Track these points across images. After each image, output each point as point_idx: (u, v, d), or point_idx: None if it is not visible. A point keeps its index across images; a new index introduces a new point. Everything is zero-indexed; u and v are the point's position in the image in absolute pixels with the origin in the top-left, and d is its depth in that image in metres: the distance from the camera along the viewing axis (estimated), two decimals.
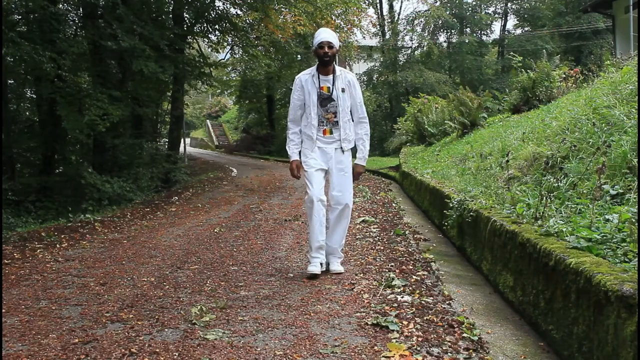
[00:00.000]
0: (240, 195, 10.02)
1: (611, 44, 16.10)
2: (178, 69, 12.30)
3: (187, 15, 14.53)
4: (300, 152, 3.94)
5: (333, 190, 3.88)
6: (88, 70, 11.65)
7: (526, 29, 31.45)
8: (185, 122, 24.37)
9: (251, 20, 15.32)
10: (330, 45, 3.77)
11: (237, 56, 20.32)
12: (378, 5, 28.88)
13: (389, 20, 28.83)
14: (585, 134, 4.12)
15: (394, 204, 7.50)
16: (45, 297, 3.64)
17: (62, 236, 6.35)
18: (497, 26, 32.95)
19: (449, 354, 2.40)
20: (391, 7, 29.70)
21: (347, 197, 3.89)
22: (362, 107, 3.97)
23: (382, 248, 4.77)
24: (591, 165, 3.49)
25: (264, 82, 25.54)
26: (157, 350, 2.56)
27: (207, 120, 44.94)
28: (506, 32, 32.02)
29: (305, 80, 3.87)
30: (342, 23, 16.60)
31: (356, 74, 28.76)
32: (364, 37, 22.01)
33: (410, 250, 4.64)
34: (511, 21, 41.49)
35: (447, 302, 3.16)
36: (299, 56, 20.25)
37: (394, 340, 2.57)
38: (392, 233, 5.44)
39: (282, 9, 13.85)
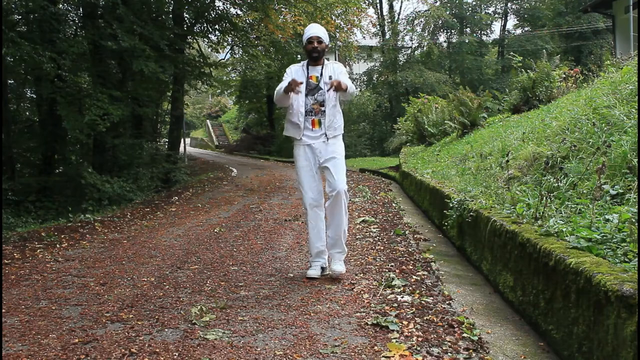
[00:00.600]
0: (240, 195, 10.02)
1: (611, 44, 16.09)
2: (178, 69, 12.31)
3: (187, 15, 14.53)
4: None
5: (326, 177, 3.84)
6: (88, 70, 11.65)
7: (526, 29, 31.47)
8: (185, 122, 24.38)
9: (251, 20, 15.33)
10: (319, 40, 3.83)
11: (237, 56, 20.34)
12: (378, 5, 28.92)
13: (389, 20, 28.86)
14: (585, 134, 4.12)
15: (394, 204, 7.50)
16: (45, 297, 3.64)
17: (62, 236, 6.35)
18: (497, 26, 33.02)
19: (449, 354, 2.40)
20: (391, 7, 29.73)
21: (341, 182, 3.77)
22: (346, 77, 3.87)
23: (382, 248, 4.77)
24: (591, 165, 3.49)
25: (264, 82, 25.55)
26: (157, 350, 2.56)
27: (207, 120, 44.96)
28: (506, 32, 32.04)
29: (296, 70, 3.91)
30: (342, 23, 16.61)
31: (356, 74, 28.84)
32: (364, 37, 22.02)
33: (410, 250, 4.64)
34: (511, 21, 41.56)
35: (447, 302, 3.16)
36: (299, 56, 20.23)
37: (394, 340, 2.57)
38: (392, 233, 5.44)
39: (282, 9, 13.86)
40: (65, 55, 9.60)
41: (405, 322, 2.80)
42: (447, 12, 28.29)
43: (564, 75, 9.27)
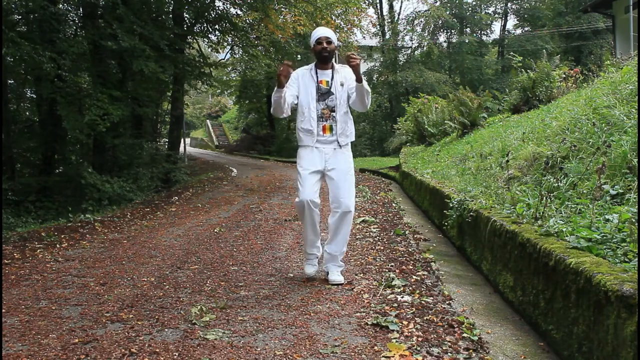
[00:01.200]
0: (240, 195, 10.02)
1: (611, 44, 16.08)
2: (178, 69, 12.31)
3: (187, 15, 14.53)
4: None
5: (332, 192, 3.65)
6: (88, 70, 11.66)
7: (526, 29, 31.47)
8: (185, 122, 24.37)
9: (251, 20, 15.33)
10: (328, 41, 3.67)
11: (237, 56, 20.32)
12: (378, 5, 28.93)
13: (389, 20, 28.87)
14: (585, 134, 4.12)
15: (394, 204, 7.50)
16: (45, 297, 3.64)
17: (62, 236, 6.35)
18: (497, 26, 33.02)
19: (449, 354, 2.40)
20: (391, 7, 29.74)
21: (349, 201, 3.61)
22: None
23: (382, 248, 4.77)
24: (591, 165, 3.49)
25: (264, 82, 25.55)
26: (157, 350, 2.56)
27: (207, 120, 44.96)
28: (506, 32, 32.05)
29: (303, 74, 3.73)
30: (342, 23, 16.60)
31: None
32: (364, 37, 22.01)
33: (410, 250, 4.64)
34: (511, 21, 41.51)
35: (447, 302, 3.16)
36: (299, 56, 20.24)
37: (394, 340, 2.57)
38: (392, 233, 5.44)
39: (282, 9, 13.85)
40: (65, 55, 9.60)
41: (405, 322, 2.80)
42: (447, 12, 28.30)
43: (564, 75, 9.27)
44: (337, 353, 2.47)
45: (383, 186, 10.10)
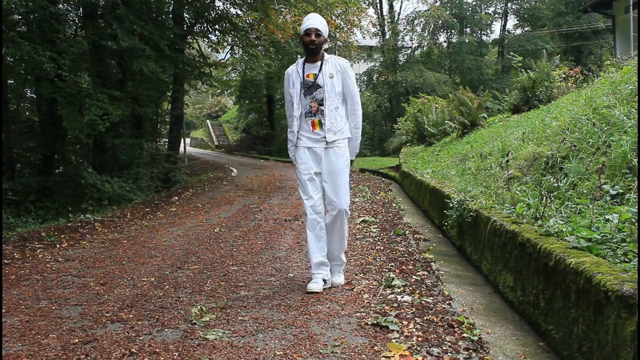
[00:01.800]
0: (240, 195, 10.02)
1: (611, 44, 16.09)
2: (178, 69, 12.31)
3: (187, 15, 14.53)
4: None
5: (327, 194, 3.54)
6: (88, 70, 11.66)
7: (526, 29, 31.45)
8: (185, 122, 24.39)
9: (251, 20, 15.32)
10: (317, 33, 3.47)
11: (237, 56, 20.32)
12: (378, 5, 28.92)
13: (389, 20, 28.86)
14: (585, 134, 4.12)
15: (394, 204, 7.50)
16: (45, 297, 3.64)
17: (62, 236, 6.35)
18: (497, 26, 33.01)
19: (449, 354, 2.40)
20: (391, 7, 29.73)
21: (343, 201, 3.49)
22: (356, 94, 3.60)
23: (382, 248, 4.77)
24: (591, 165, 3.49)
25: (264, 82, 25.56)
26: (157, 350, 2.56)
27: (207, 120, 44.97)
28: (506, 32, 32.03)
29: (292, 71, 3.60)
30: (342, 23, 16.60)
31: (356, 74, 28.81)
32: (364, 37, 22.00)
33: (410, 250, 4.64)
34: (511, 21, 41.58)
35: (447, 302, 3.16)
36: (299, 56, 20.22)
37: (394, 340, 2.57)
38: (392, 233, 5.44)
39: (282, 9, 13.85)
40: (65, 55, 9.60)
41: (405, 322, 2.80)
42: (447, 12, 28.29)
43: (564, 75, 9.27)
44: (337, 353, 2.47)
45: (383, 186, 10.10)
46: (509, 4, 31.43)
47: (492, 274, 3.48)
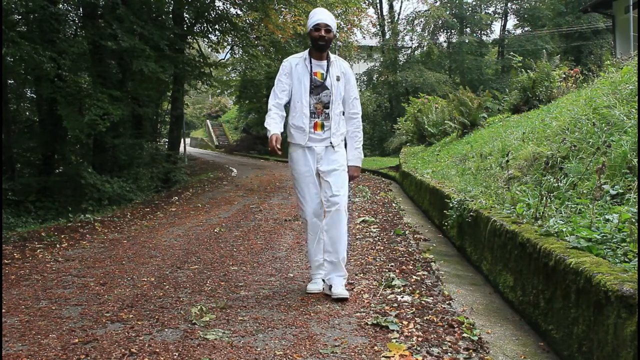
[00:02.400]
0: (240, 195, 10.02)
1: (611, 44, 16.09)
2: (178, 69, 12.32)
3: (187, 15, 14.54)
4: (281, 127, 3.36)
5: (324, 192, 3.37)
6: (88, 70, 11.66)
7: (526, 29, 31.46)
8: (185, 122, 24.39)
9: (251, 20, 15.33)
10: (327, 29, 3.31)
11: (237, 56, 20.33)
12: (378, 5, 28.94)
13: (389, 20, 28.88)
14: (585, 134, 4.12)
15: (394, 204, 7.50)
16: (45, 297, 3.64)
17: (62, 236, 6.35)
18: (497, 26, 33.01)
19: (449, 354, 2.40)
20: (391, 7, 29.74)
21: (341, 197, 3.31)
22: (357, 100, 3.51)
23: (382, 248, 4.77)
24: (591, 165, 3.49)
25: (264, 82, 25.54)
26: (157, 350, 2.56)
27: (207, 120, 44.96)
28: (506, 32, 32.04)
29: (296, 64, 3.39)
30: (342, 23, 16.63)
31: (356, 74, 28.83)
32: (364, 37, 22.03)
33: (410, 250, 4.64)
34: (511, 21, 41.57)
35: (447, 302, 3.16)
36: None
37: (394, 340, 2.57)
38: (392, 233, 5.44)
39: (282, 9, 13.86)
40: (65, 55, 9.61)
41: (405, 322, 2.80)
42: (447, 12, 28.30)
43: (564, 75, 9.27)
44: (337, 353, 2.47)
45: (383, 186, 10.10)
46: (509, 4, 31.44)
47: (492, 274, 3.48)
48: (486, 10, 30.96)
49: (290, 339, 2.67)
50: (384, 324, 2.78)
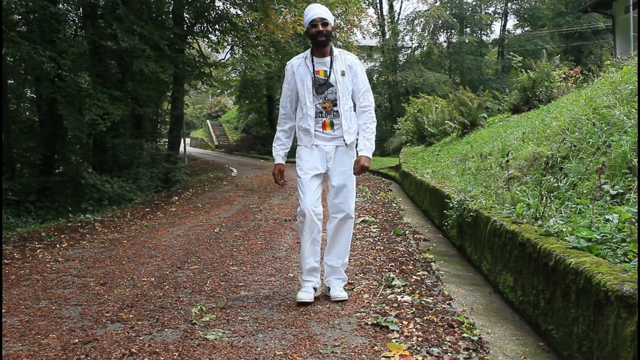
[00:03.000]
0: (240, 195, 10.02)
1: (611, 44, 16.09)
2: (178, 69, 12.32)
3: (187, 15, 14.54)
4: (286, 155, 3.44)
5: (332, 196, 3.29)
6: (88, 70, 11.66)
7: (526, 29, 31.48)
8: (185, 122, 24.39)
9: (251, 20, 15.34)
10: (324, 22, 3.20)
11: (237, 56, 20.33)
12: (378, 5, 28.95)
13: (389, 20, 28.89)
14: (585, 134, 4.12)
15: (394, 204, 7.50)
16: (45, 297, 3.64)
17: (62, 236, 6.35)
18: (497, 26, 33.02)
19: (449, 354, 2.40)
20: (391, 7, 29.76)
21: (349, 205, 3.26)
22: (368, 92, 3.35)
23: (382, 248, 4.77)
24: (591, 165, 3.49)
25: (264, 82, 25.55)
26: (157, 350, 2.56)
27: (207, 120, 44.96)
28: (506, 32, 32.06)
29: (298, 65, 3.30)
30: (342, 23, 16.63)
31: None
32: (364, 37, 22.03)
33: (410, 250, 4.64)
34: (511, 21, 41.51)
35: (447, 302, 3.16)
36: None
37: (394, 340, 2.57)
38: (392, 233, 5.44)
39: (282, 9, 13.86)
40: (65, 55, 9.60)
41: (405, 322, 2.80)
42: (447, 12, 28.32)
43: (564, 75, 9.27)
44: (337, 353, 2.47)
45: (383, 186, 10.10)
46: (509, 4, 31.46)
47: (492, 274, 3.48)
48: (486, 10, 30.98)
49: (290, 339, 2.67)
50: (384, 324, 2.78)
